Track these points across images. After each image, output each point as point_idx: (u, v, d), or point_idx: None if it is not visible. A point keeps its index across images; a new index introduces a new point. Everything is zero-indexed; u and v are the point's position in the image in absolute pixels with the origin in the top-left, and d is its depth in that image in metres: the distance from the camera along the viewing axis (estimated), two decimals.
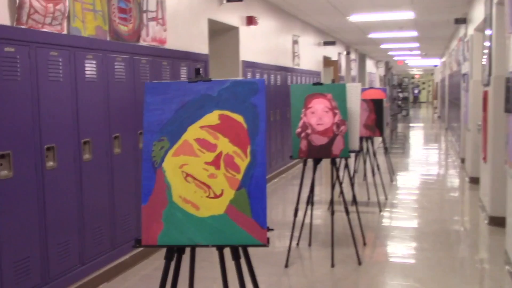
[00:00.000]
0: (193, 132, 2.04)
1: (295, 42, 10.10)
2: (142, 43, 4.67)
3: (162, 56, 4.97)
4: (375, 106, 6.49)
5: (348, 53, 16.40)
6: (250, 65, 7.42)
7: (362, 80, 20.99)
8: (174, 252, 2.03)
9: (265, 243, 1.98)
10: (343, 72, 15.77)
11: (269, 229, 2.04)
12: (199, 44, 5.88)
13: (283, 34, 9.36)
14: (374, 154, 7.26)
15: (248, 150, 1.98)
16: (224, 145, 2.00)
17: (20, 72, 3.26)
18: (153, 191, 2.02)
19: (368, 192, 7.23)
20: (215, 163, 2.01)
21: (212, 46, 7.15)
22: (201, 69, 6.11)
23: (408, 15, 10.39)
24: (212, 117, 2.04)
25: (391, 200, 7.03)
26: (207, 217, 2.00)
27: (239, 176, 1.99)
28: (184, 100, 2.07)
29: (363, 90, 8.72)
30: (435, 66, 28.41)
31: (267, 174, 8.19)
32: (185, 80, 2.13)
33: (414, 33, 13.77)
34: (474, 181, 7.95)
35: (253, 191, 1.97)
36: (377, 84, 25.87)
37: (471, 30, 8.32)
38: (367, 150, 7.11)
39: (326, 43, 12.56)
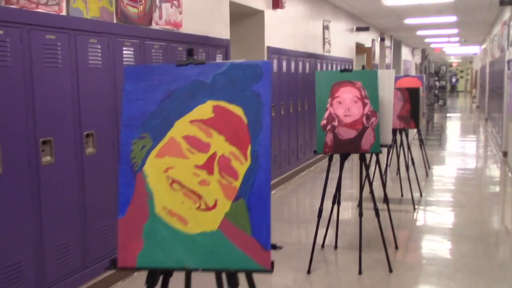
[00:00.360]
0: (181, 128, 1.65)
1: (325, 27, 9.58)
2: (154, 26, 4.30)
3: (177, 41, 4.60)
4: (410, 95, 5.98)
5: (382, 40, 15.73)
6: (276, 51, 6.98)
7: (397, 68, 20.22)
8: (158, 276, 1.65)
9: (268, 268, 1.57)
10: (377, 59, 15.13)
11: (275, 248, 1.65)
12: (220, 29, 5.48)
13: (313, 19, 8.87)
14: (409, 147, 6.74)
15: (249, 151, 1.58)
16: (219, 145, 1.61)
17: (10, 57, 2.94)
18: (131, 200, 1.64)
19: (402, 188, 6.73)
20: (208, 166, 1.61)
21: (235, 31, 6.75)
22: (222, 54, 5.72)
23: None
24: (205, 109, 1.64)
25: (426, 197, 6.52)
26: (197, 234, 1.61)
27: (237, 184, 1.59)
28: (171, 88, 1.68)
29: (398, 78, 8.19)
30: (475, 54, 27.26)
31: (294, 167, 7.77)
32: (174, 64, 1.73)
33: (453, 18, 13.02)
34: None
35: (254, 203, 1.57)
36: (413, 72, 24.97)
37: None
38: (401, 143, 6.60)
39: (359, 29, 11.98)
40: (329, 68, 9.82)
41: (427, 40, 20.25)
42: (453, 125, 16.36)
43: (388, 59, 17.22)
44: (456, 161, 9.30)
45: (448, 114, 19.71)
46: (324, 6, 9.53)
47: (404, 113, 5.98)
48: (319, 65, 9.04)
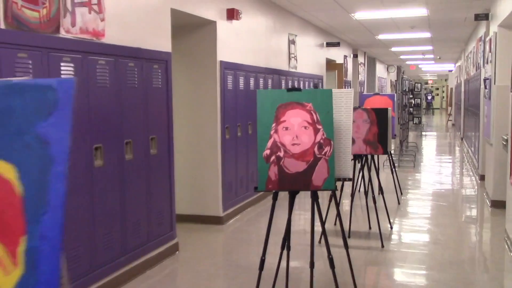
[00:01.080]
0: None
1: (291, 41, 8.94)
2: (64, 35, 3.54)
3: (98, 52, 3.85)
4: (378, 117, 5.31)
5: (355, 56, 15.20)
6: (231, 67, 6.27)
7: (372, 85, 19.77)
8: None
9: None
10: (349, 76, 14.57)
11: None
12: (158, 40, 4.75)
13: (277, 32, 8.22)
14: (377, 174, 6.06)
15: (21, 249, 0.84)
16: None
17: None
18: None
19: (370, 220, 6.03)
20: None
21: (183, 43, 6.03)
22: (161, 70, 4.98)
23: (420, 12, 9.19)
24: None
25: (397, 230, 5.83)
26: None
27: None
28: None
29: (367, 97, 7.55)
30: (450, 71, 27.07)
31: (252, 194, 7.02)
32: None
33: (427, 34, 12.55)
34: (497, 205, 6.72)
35: None
36: (388, 89, 24.59)
37: (494, 27, 7.11)
38: (369, 169, 5.92)
39: (330, 45, 11.39)
40: (295, 85, 9.15)
41: (402, 57, 19.86)
42: (428, 144, 15.85)
43: (362, 76, 16.71)
44: (431, 185, 8.67)
45: (423, 133, 19.27)
46: (289, 19, 8.90)
47: (370, 137, 5.31)
48: (283, 81, 8.37)
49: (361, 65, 16.63)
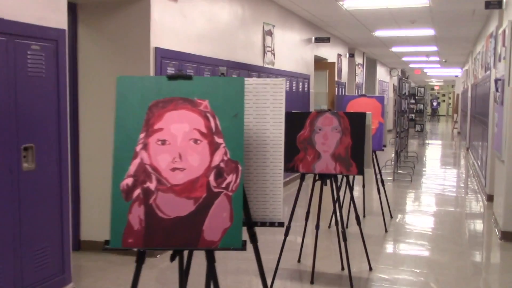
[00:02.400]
0: None
1: (267, 33, 7.60)
2: None
3: None
4: (353, 124, 3.95)
5: (351, 56, 13.84)
6: (172, 56, 4.93)
7: (372, 89, 18.40)
8: None
9: None
10: (344, 78, 13.21)
11: None
12: (43, 13, 3.41)
13: (247, 20, 6.88)
14: (352, 200, 4.68)
15: None
16: None
17: None
18: None
19: (342, 258, 4.64)
20: None
21: (104, 23, 4.69)
22: (50, 50, 3.34)
23: (421, 1, 7.83)
24: None
25: (378, 274, 4.45)
26: None
27: None
28: None
29: (351, 98, 6.19)
30: (456, 76, 25.65)
31: None
32: None
33: (430, 32, 11.18)
34: (509, 237, 5.35)
35: None
36: (391, 95, 23.19)
37: (509, 15, 5.74)
38: (350, 189, 4.54)
39: (318, 40, 10.04)
40: None
41: (404, 58, 18.48)
42: (430, 154, 14.44)
43: (359, 78, 15.34)
44: (429, 206, 7.28)
45: (426, 141, 17.85)
46: (265, 6, 7.56)
47: (342, 151, 3.94)
48: None
49: (359, 66, 15.27)
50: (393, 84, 25.02)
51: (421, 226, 6.11)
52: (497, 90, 5.83)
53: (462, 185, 9.39)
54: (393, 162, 9.68)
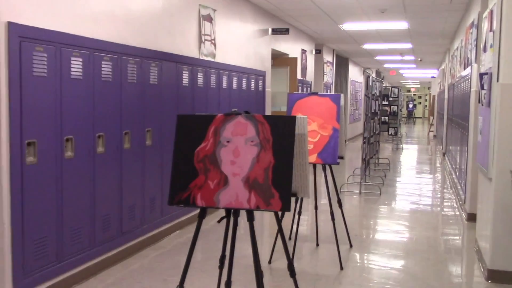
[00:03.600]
0: None
1: (205, 18, 6.27)
2: None
3: None
4: (277, 134, 2.63)
5: (318, 52, 12.59)
6: (40, 37, 3.55)
7: (343, 89, 17.22)
8: None
9: None
10: (310, 76, 11.94)
11: None
12: None
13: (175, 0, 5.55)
14: (281, 232, 3.38)
15: None
16: None
17: None
18: None
19: None
20: None
21: None
22: None
23: None
24: None
25: None
26: None
27: None
28: None
29: (299, 97, 4.92)
30: (433, 77, 24.70)
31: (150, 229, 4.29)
32: None
33: (403, 24, 9.98)
34: (497, 277, 4.12)
35: None
36: (362, 96, 22.04)
37: None
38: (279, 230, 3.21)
39: (276, 31, 8.75)
40: (216, 81, 6.47)
41: (378, 57, 17.34)
42: (404, 160, 13.28)
43: (329, 77, 14.11)
44: (397, 232, 6.02)
45: (401, 145, 16.72)
46: None
47: (259, 175, 2.61)
48: (186, 73, 5.68)
49: (328, 64, 14.04)
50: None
51: (386, 262, 4.84)
52: (482, 87, 4.59)
53: (438, 199, 8.17)
54: (362, 172, 8.43)
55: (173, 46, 5.51)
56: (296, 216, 4.81)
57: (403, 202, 7.74)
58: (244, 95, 7.56)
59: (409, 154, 14.90)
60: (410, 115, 35.22)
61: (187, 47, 5.84)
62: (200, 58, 6.14)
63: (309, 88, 11.70)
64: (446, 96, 13.25)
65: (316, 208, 5.07)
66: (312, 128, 4.68)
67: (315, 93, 4.77)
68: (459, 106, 9.05)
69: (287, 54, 10.09)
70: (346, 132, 15.04)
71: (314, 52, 12.25)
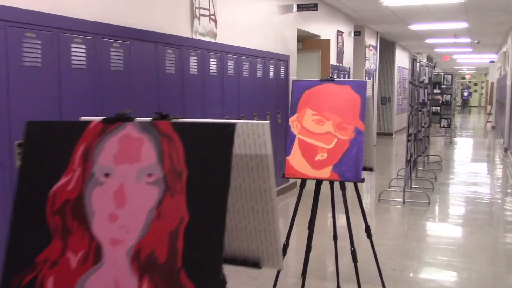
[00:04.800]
0: None
1: None
2: None
3: None
4: (196, 160, 1.29)
5: (357, 34, 11.05)
6: None
7: (390, 76, 15.56)
8: None
9: None
10: (348, 62, 10.44)
11: None
12: None
13: None
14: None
15: None
16: None
17: None
18: None
19: None
20: None
21: None
22: None
23: None
24: None
25: None
26: None
27: None
28: None
29: (308, 86, 3.57)
30: (491, 61, 22.46)
31: None
32: None
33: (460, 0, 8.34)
34: None
35: None
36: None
37: None
38: None
39: (302, 8, 7.33)
40: (209, 66, 5.18)
41: (428, 41, 15.54)
42: (459, 157, 11.58)
43: (371, 63, 12.53)
44: (449, 255, 4.55)
45: (455, 139, 14.91)
46: None
47: (157, 246, 1.31)
48: (172, 57, 4.40)
49: (371, 48, 12.46)
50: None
51: None
52: None
53: (503, 211, 6.59)
54: (406, 176, 6.93)
55: (151, 20, 4.24)
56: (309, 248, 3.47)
57: (457, 215, 6.22)
58: (260, 85, 6.22)
59: (465, 149, 13.15)
60: (465, 103, 32.78)
61: (172, 23, 4.56)
62: (194, 37, 4.85)
63: (347, 75, 10.22)
64: (509, 82, 11.45)
65: (335, 238, 3.70)
66: (326, 130, 3.31)
67: (331, 79, 3.38)
68: None
69: (319, 36, 8.65)
70: (375, 131, 13.40)
71: (353, 34, 10.72)
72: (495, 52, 19.60)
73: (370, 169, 3.55)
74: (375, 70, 13.17)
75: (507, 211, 6.52)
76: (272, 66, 6.61)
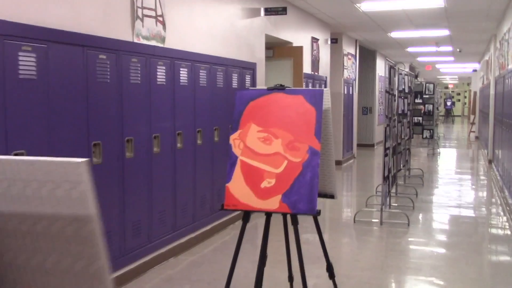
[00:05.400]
0: None
1: None
2: None
3: None
4: None
5: (334, 41, 10.51)
6: None
7: (370, 86, 15.09)
8: None
9: None
10: (324, 71, 9.89)
11: None
12: None
13: None
14: None
15: None
16: None
17: None
18: None
19: None
20: None
21: None
22: None
23: None
24: None
25: None
26: None
27: None
28: None
29: (252, 97, 2.93)
30: (474, 70, 22.14)
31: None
32: None
33: (439, 2, 7.84)
34: None
35: None
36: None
37: None
38: None
39: (270, 12, 6.76)
40: (156, 74, 4.56)
41: (410, 49, 15.12)
42: (442, 169, 11.07)
43: (350, 72, 12.00)
44: None
45: (438, 149, 14.43)
46: None
47: None
48: (106, 64, 3.77)
49: (349, 57, 11.94)
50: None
51: None
52: None
53: (488, 233, 6.02)
54: (383, 195, 6.33)
55: (76, 21, 3.61)
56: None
57: (438, 239, 5.64)
58: (221, 95, 5.60)
59: (448, 161, 12.66)
60: (449, 113, 32.53)
61: (106, 24, 3.92)
62: (135, 41, 4.22)
63: (323, 85, 9.66)
64: (492, 91, 10.98)
65: (290, 279, 3.08)
66: (274, 150, 2.70)
67: (281, 88, 2.78)
68: (508, 103, 6.90)
69: (291, 43, 8.08)
70: (341, 149, 12.84)
71: (329, 41, 10.18)
72: (477, 61, 19.27)
73: (331, 196, 2.94)
74: (355, 80, 12.65)
75: (492, 232, 5.96)
76: (236, 75, 6.00)
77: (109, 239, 3.78)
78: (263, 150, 2.70)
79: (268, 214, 2.77)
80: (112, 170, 3.88)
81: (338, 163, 11.14)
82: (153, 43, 4.44)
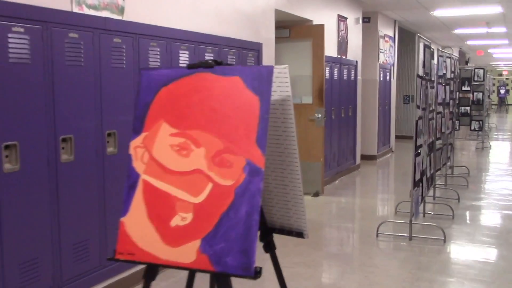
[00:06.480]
0: None
1: None
2: None
3: None
4: None
5: (366, 21, 9.27)
6: None
7: (411, 72, 13.67)
8: None
9: None
10: (355, 54, 8.69)
11: None
12: None
13: None
14: None
15: None
16: None
17: None
18: None
19: None
20: None
21: None
22: None
23: None
24: None
25: None
26: None
27: None
28: None
29: (166, 81, 1.79)
30: None
31: None
32: None
33: None
34: None
35: None
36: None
37: None
38: None
39: None
40: (110, 55, 3.59)
41: (458, 31, 13.58)
42: (491, 167, 9.68)
43: (387, 56, 10.72)
44: None
45: (488, 143, 12.91)
46: None
47: None
48: (25, 39, 2.83)
49: (386, 39, 10.65)
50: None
51: None
52: None
53: None
54: (414, 203, 5.16)
55: None
56: None
57: (482, 261, 4.44)
58: None
59: (500, 156, 11.20)
60: (502, 102, 30.34)
61: None
62: (76, 11, 3.26)
63: (353, 71, 8.48)
64: None
65: None
66: (194, 166, 1.67)
67: (209, 65, 1.73)
68: None
69: (311, 21, 6.96)
70: (375, 142, 11.55)
71: (361, 21, 8.96)
72: None
73: (298, 234, 1.89)
74: (393, 65, 11.34)
75: None
76: (234, 57, 4.97)
77: None
78: (176, 165, 1.68)
79: (192, 272, 1.75)
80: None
81: (373, 158, 9.95)
82: (104, 13, 3.46)
